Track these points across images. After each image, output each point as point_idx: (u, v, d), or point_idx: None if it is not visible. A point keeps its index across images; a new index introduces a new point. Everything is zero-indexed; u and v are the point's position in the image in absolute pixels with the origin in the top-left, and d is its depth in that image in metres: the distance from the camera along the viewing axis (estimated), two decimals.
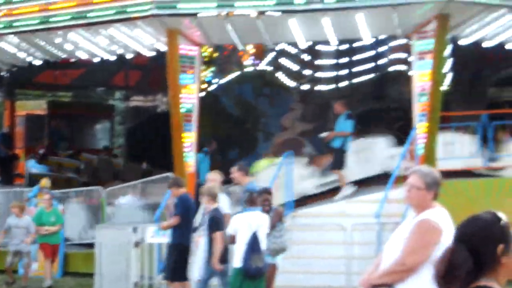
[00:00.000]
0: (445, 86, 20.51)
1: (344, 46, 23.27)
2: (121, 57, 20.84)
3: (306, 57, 24.59)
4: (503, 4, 16.40)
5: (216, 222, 12.23)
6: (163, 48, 18.41)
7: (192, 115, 18.16)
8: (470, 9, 16.47)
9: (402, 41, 20.68)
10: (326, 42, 20.35)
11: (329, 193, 18.00)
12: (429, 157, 16.43)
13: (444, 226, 5.79)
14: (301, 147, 21.83)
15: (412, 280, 5.77)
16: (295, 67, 24.99)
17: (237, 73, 26.59)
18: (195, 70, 18.37)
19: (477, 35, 18.71)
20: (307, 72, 24.83)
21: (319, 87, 24.69)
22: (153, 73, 27.34)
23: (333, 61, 24.51)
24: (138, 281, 15.74)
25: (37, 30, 18.18)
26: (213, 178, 13.79)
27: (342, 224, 15.61)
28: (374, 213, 15.16)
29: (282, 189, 16.94)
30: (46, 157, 25.58)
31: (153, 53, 19.90)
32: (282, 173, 17.11)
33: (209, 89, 26.28)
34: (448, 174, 14.09)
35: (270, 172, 17.55)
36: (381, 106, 24.01)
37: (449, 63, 21.54)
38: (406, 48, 20.28)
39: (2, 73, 25.32)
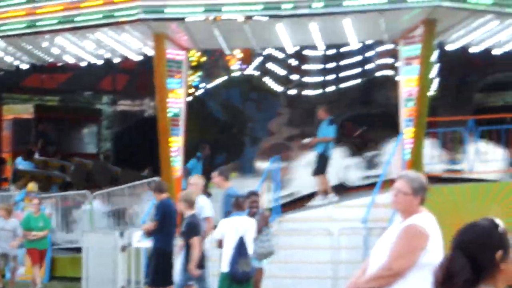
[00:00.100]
0: (432, 91, 20.57)
1: (332, 51, 23.29)
2: (108, 62, 20.78)
3: (293, 62, 24.62)
4: (489, 9, 16.44)
5: (193, 228, 12.19)
6: (151, 52, 18.39)
7: (179, 119, 18.14)
8: (456, 14, 16.52)
9: (389, 46, 20.74)
10: (313, 47, 20.36)
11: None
12: (416, 162, 16.46)
13: (431, 231, 5.81)
14: (288, 151, 21.85)
15: (398, 285, 5.78)
16: (282, 72, 25.01)
17: (224, 77, 26.60)
18: (182, 75, 18.35)
19: (463, 41, 18.77)
20: (294, 77, 24.85)
21: (306, 92, 24.71)
22: (141, 77, 27.33)
23: (320, 66, 24.54)
24: (125, 285, 15.74)
25: (24, 34, 18.14)
26: (195, 182, 13.80)
27: (329, 229, 15.62)
28: (361, 218, 15.19)
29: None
30: (33, 154, 25.60)
31: (141, 58, 19.87)
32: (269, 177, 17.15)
33: (196, 93, 26.28)
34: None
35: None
36: (368, 111, 24.03)
37: (436, 68, 21.61)
38: (393, 54, 20.33)
39: None
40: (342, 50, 23.08)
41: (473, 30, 17.91)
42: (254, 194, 13.36)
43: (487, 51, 19.76)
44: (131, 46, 19.01)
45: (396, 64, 19.15)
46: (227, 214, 12.79)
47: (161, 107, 17.48)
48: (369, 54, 23.69)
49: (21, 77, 26.80)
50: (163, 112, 17.40)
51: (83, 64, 21.00)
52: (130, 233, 15.61)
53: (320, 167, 17.63)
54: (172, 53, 17.98)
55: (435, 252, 5.74)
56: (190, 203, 12.40)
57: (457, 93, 23.26)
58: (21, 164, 24.63)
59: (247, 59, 25.65)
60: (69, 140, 29.74)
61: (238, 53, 25.25)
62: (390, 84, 20.58)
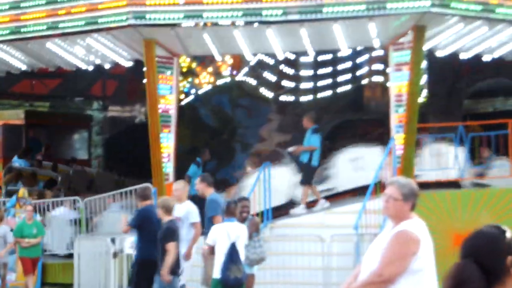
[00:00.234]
0: (422, 97, 20.63)
1: (322, 57, 23.33)
2: (98, 67, 20.76)
3: (284, 68, 24.66)
4: (478, 15, 16.51)
5: (170, 233, 12.15)
6: (141, 58, 18.39)
7: (170, 125, 18.14)
8: (446, 20, 16.58)
9: (379, 52, 20.79)
10: (304, 53, 20.38)
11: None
12: (406, 168, 16.48)
13: (422, 237, 5.82)
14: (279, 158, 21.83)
15: None
16: (273, 78, 25.04)
17: (215, 83, 26.60)
18: (173, 81, 18.35)
19: (453, 47, 18.83)
20: (285, 83, 24.88)
21: (297, 98, 24.74)
22: (131, 83, 27.33)
23: (310, 72, 24.58)
24: None
25: (11, 40, 18.11)
26: (176, 187, 13.75)
27: (321, 235, 15.61)
28: (353, 224, 15.18)
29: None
30: (29, 153, 25.65)
31: (131, 63, 19.87)
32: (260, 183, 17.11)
33: (187, 99, 26.28)
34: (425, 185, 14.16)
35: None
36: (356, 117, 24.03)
37: (426, 74, 21.67)
38: (383, 60, 20.38)
39: None
40: (332, 56, 23.14)
41: (463, 36, 17.98)
42: (244, 199, 13.41)
43: (477, 57, 19.82)
44: (121, 51, 19.01)
45: (386, 70, 19.19)
46: (210, 220, 12.82)
47: (152, 112, 17.48)
48: (359, 60, 23.76)
49: (11, 82, 26.76)
50: (154, 117, 17.40)
51: (73, 70, 21.00)
52: (122, 239, 15.58)
53: (307, 177, 17.54)
54: (163, 58, 17.96)
55: (426, 258, 5.77)
56: (168, 209, 12.35)
57: (447, 99, 23.31)
58: (16, 162, 24.79)
59: (237, 65, 25.68)
60: (59, 146, 29.69)
61: (229, 59, 25.27)
62: (380, 90, 20.63)
